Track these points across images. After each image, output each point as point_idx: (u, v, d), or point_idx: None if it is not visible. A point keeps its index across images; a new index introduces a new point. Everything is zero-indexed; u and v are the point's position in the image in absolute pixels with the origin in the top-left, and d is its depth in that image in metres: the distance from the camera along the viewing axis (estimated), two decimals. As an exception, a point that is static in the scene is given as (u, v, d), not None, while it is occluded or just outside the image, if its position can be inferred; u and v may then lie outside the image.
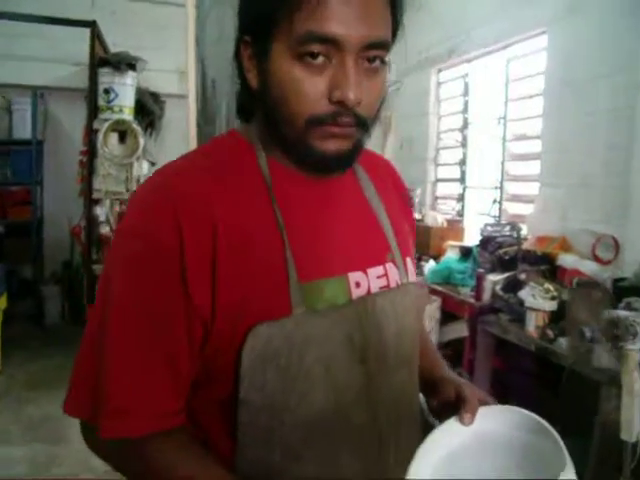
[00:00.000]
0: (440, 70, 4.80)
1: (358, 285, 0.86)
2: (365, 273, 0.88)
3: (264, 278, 0.79)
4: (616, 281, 2.65)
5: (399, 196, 1.05)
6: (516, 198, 3.95)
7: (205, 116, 1.86)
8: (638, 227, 2.76)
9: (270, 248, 0.81)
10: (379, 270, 0.90)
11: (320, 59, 0.76)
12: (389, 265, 0.92)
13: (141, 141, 3.98)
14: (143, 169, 4.03)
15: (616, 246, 2.91)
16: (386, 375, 0.88)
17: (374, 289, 0.88)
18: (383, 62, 0.81)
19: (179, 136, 2.94)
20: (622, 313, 1.96)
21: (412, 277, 0.97)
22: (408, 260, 0.97)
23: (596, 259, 2.91)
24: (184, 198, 0.78)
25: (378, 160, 1.07)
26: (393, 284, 0.91)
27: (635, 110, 2.79)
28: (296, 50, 0.76)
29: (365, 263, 0.89)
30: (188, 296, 0.76)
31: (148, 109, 4.71)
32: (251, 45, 0.83)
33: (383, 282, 0.90)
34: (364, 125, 0.82)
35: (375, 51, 0.78)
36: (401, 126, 5.15)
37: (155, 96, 4.93)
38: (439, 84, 4.85)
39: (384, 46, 0.79)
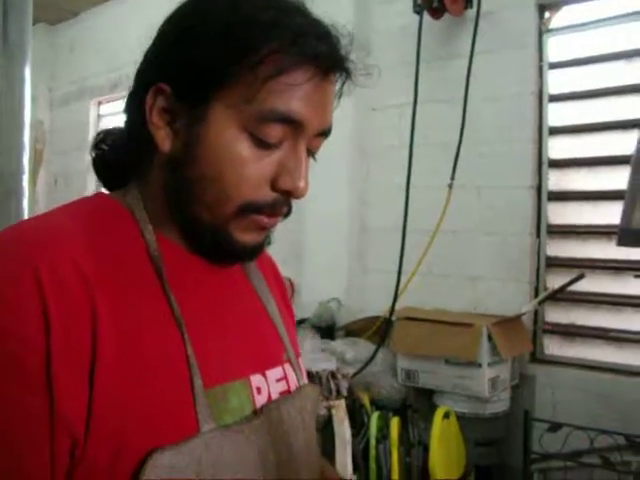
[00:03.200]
0: (101, 103, 4.55)
1: (259, 391, 0.72)
2: (264, 376, 0.74)
3: (161, 384, 0.61)
4: (298, 322, 2.74)
5: (281, 290, 0.92)
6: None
7: None
8: (312, 269, 2.92)
9: (166, 345, 0.63)
10: (278, 372, 0.76)
11: (275, 140, 0.66)
12: (287, 366, 0.79)
13: None
14: None
15: (292, 288, 3.03)
16: None
17: (274, 395, 0.74)
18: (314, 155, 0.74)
19: None
20: (322, 369, 2.03)
21: (305, 378, 0.84)
22: (300, 360, 0.85)
23: (276, 301, 2.98)
24: (54, 275, 0.58)
25: None
26: (293, 387, 0.78)
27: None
28: (251, 125, 0.64)
29: (264, 365, 0.75)
30: (53, 411, 0.56)
31: None
32: (168, 97, 0.66)
33: (283, 386, 0.76)
34: (287, 215, 0.73)
35: (322, 139, 0.71)
36: (55, 161, 4.69)
37: None
38: (100, 117, 4.58)
39: (328, 136, 0.72)
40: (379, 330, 2.46)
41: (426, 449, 2.00)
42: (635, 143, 2.17)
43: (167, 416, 0.61)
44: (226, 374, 0.68)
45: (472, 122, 2.42)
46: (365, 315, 2.65)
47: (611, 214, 2.25)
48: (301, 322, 2.74)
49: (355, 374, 2.30)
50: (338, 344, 2.44)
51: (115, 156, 0.75)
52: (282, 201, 0.69)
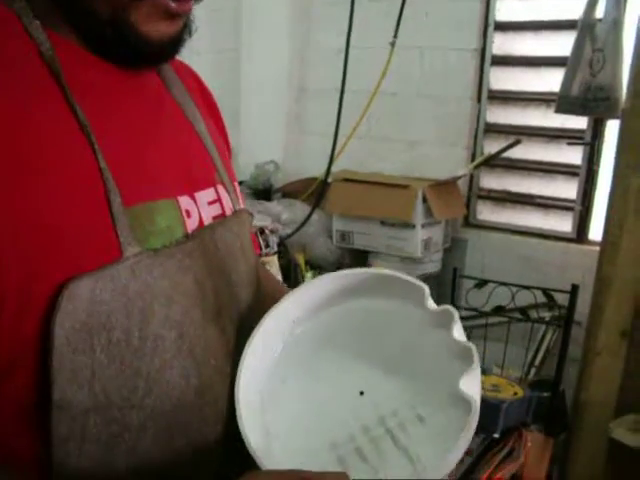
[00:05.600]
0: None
1: (189, 214, 0.64)
2: (193, 198, 0.66)
3: (71, 201, 0.53)
4: (235, 184, 2.69)
5: (210, 106, 0.82)
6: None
7: None
8: (249, 131, 2.82)
9: (73, 157, 0.55)
10: (210, 194, 0.69)
11: None
12: (220, 188, 0.71)
13: None
14: None
15: (229, 150, 2.94)
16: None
17: (206, 219, 0.67)
18: None
19: None
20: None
21: (242, 204, 0.77)
22: (236, 184, 0.77)
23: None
24: None
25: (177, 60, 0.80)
26: (228, 212, 0.71)
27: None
28: None
29: (192, 185, 0.66)
30: None
31: None
32: None
33: (216, 209, 0.69)
34: None
35: None
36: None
37: None
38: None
39: None
40: (315, 192, 2.45)
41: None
42: (583, 8, 2.13)
43: (81, 238, 0.53)
44: (149, 192, 0.60)
45: (419, -24, 2.30)
46: (302, 177, 2.61)
47: (553, 81, 2.24)
48: (238, 184, 2.69)
49: (290, 235, 2.30)
50: (274, 205, 2.42)
51: None
52: None
